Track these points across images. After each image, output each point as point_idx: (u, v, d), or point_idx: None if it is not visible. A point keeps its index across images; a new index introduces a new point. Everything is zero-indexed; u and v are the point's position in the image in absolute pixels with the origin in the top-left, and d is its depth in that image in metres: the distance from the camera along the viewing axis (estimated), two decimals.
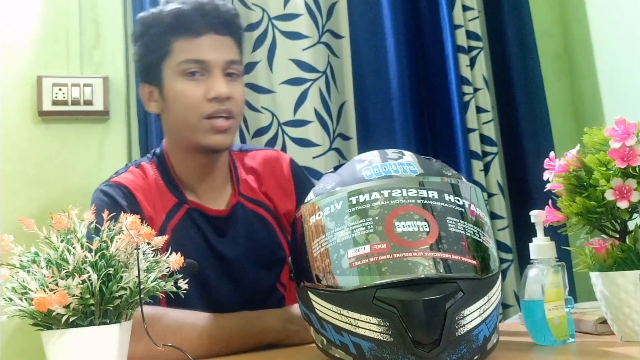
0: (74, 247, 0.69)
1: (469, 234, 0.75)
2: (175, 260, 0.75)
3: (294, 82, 1.63)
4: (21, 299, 0.69)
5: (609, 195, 0.80)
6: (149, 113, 1.52)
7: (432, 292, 0.69)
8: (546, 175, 0.88)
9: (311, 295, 0.76)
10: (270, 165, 1.28)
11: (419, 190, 0.76)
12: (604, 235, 0.85)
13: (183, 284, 0.76)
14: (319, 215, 0.78)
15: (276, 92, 1.63)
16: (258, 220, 1.23)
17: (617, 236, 0.84)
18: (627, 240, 0.84)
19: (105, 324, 0.70)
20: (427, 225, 0.73)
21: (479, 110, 1.71)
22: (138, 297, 0.71)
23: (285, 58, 1.63)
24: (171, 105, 1.15)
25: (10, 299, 0.69)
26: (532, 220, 0.89)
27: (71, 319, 0.68)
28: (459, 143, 1.65)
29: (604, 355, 0.80)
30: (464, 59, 1.70)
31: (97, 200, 1.11)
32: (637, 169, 0.80)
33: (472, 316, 0.71)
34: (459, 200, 0.77)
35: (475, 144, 1.68)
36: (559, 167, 0.86)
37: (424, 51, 1.73)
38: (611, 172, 0.81)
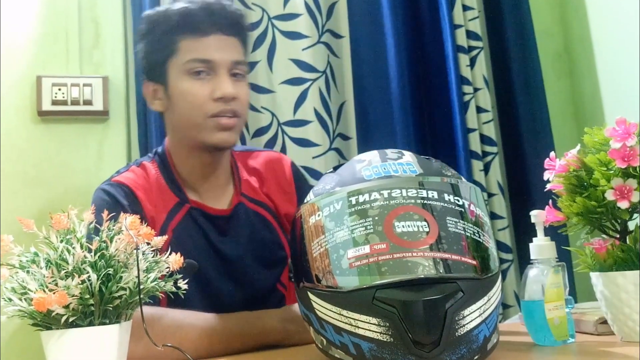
0: (73, 247, 0.69)
1: (468, 234, 0.75)
2: (174, 260, 0.75)
3: (293, 82, 1.63)
4: (21, 299, 0.69)
5: (610, 195, 0.79)
6: (148, 113, 1.52)
7: (432, 292, 0.69)
8: (546, 175, 0.87)
9: (311, 296, 0.76)
10: (272, 167, 1.28)
11: (418, 190, 0.76)
12: (604, 236, 0.85)
13: (183, 284, 0.76)
14: (319, 215, 0.78)
15: (276, 92, 1.63)
16: (259, 221, 1.23)
17: (618, 236, 0.84)
18: (627, 240, 0.84)
19: (104, 324, 0.70)
20: (426, 225, 0.73)
21: (479, 110, 1.71)
22: (138, 297, 0.71)
23: (285, 58, 1.63)
24: (176, 104, 1.15)
25: (10, 299, 0.69)
26: (533, 220, 0.89)
27: (71, 319, 0.68)
28: (459, 143, 1.65)
29: (604, 356, 0.80)
30: (464, 59, 1.70)
31: (98, 199, 1.11)
32: (638, 169, 0.80)
33: (472, 316, 0.71)
34: (458, 200, 0.77)
35: (475, 144, 1.68)
36: (559, 167, 0.86)
37: (424, 51, 1.73)
38: (612, 172, 0.81)
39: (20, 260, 0.71)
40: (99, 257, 0.70)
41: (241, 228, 1.20)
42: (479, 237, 0.76)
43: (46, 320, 0.69)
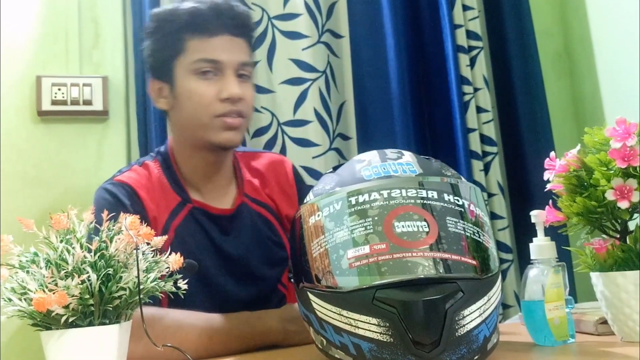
0: (73, 247, 0.69)
1: (468, 234, 0.75)
2: (174, 260, 0.75)
3: (293, 82, 1.63)
4: (20, 299, 0.68)
5: (610, 195, 0.79)
6: (148, 113, 1.52)
7: (432, 293, 0.69)
8: (546, 175, 0.87)
9: (311, 296, 0.76)
10: (275, 169, 1.29)
11: (418, 190, 0.76)
12: (604, 236, 0.85)
13: (183, 284, 0.76)
14: (318, 215, 0.77)
15: (276, 92, 1.63)
16: (262, 221, 1.24)
17: (618, 236, 0.84)
18: (627, 240, 0.84)
19: (104, 324, 0.70)
20: (426, 225, 0.73)
21: (479, 110, 1.71)
22: (137, 297, 0.71)
23: (285, 58, 1.63)
24: (182, 103, 1.15)
25: (10, 299, 0.69)
26: (533, 220, 0.89)
27: (70, 319, 0.68)
28: (459, 143, 1.65)
29: (605, 356, 0.80)
30: (464, 59, 1.70)
31: (100, 198, 1.11)
32: (638, 169, 0.80)
33: (472, 316, 0.71)
34: (458, 200, 0.77)
35: (475, 144, 1.68)
36: (559, 167, 0.86)
37: (424, 51, 1.73)
38: (612, 172, 0.81)
39: (20, 261, 0.71)
40: (98, 257, 0.70)
41: (244, 227, 1.21)
42: (479, 237, 0.76)
43: (46, 321, 0.69)
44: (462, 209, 0.76)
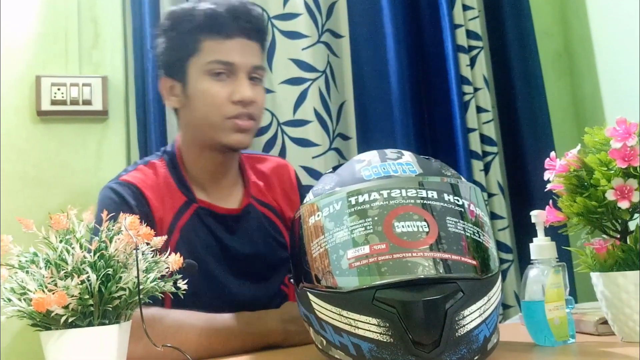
0: (72, 248, 0.69)
1: (468, 234, 0.75)
2: (174, 260, 0.75)
3: (293, 81, 1.63)
4: (20, 300, 0.68)
5: (610, 196, 0.79)
6: (147, 112, 1.52)
7: (432, 293, 0.69)
8: (547, 175, 0.87)
9: (310, 296, 0.76)
10: (280, 172, 1.31)
11: (418, 190, 0.76)
12: (604, 236, 0.85)
13: (182, 284, 0.75)
14: (318, 215, 0.77)
15: (276, 92, 1.62)
16: (267, 222, 1.25)
17: (618, 236, 0.84)
18: (628, 240, 0.83)
19: (104, 324, 0.70)
20: (426, 226, 0.73)
21: (479, 110, 1.71)
22: (137, 297, 0.71)
23: (285, 57, 1.63)
24: (194, 103, 1.16)
25: (9, 300, 0.69)
26: (533, 220, 0.89)
27: (70, 320, 0.68)
28: (459, 143, 1.65)
29: (605, 356, 0.80)
30: (464, 59, 1.70)
31: (105, 198, 1.11)
32: (638, 169, 0.80)
33: (472, 316, 0.71)
34: (458, 200, 0.77)
35: (475, 144, 1.68)
36: (559, 167, 0.86)
37: (424, 51, 1.73)
38: (612, 172, 0.80)
39: (20, 261, 0.71)
40: (98, 257, 0.70)
41: (250, 228, 1.22)
42: (479, 237, 0.75)
43: (45, 321, 0.68)
44: (462, 209, 0.76)
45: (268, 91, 1.62)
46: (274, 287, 1.23)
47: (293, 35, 1.63)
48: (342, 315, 0.72)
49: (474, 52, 1.72)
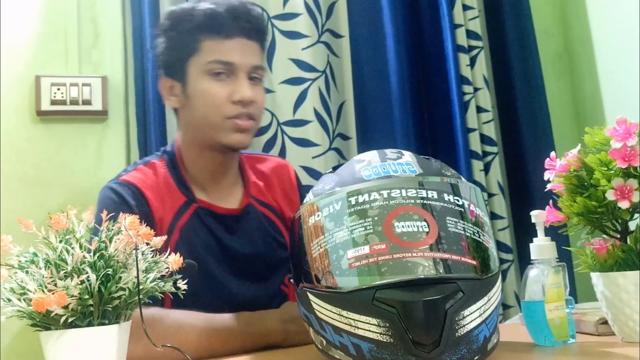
0: (72, 248, 0.69)
1: (468, 234, 0.74)
2: (174, 260, 0.75)
3: (293, 81, 1.62)
4: (20, 300, 0.68)
5: (610, 196, 0.79)
6: (147, 112, 1.52)
7: (432, 293, 0.69)
8: (547, 175, 0.87)
9: (310, 296, 0.76)
10: (280, 173, 1.31)
11: (418, 190, 0.76)
12: (604, 236, 0.85)
13: (182, 285, 0.75)
14: (318, 215, 0.77)
15: (275, 92, 1.62)
16: (267, 222, 1.25)
17: (618, 236, 0.84)
18: (628, 240, 0.83)
19: (104, 324, 0.70)
20: (426, 226, 0.73)
21: (479, 109, 1.71)
22: (137, 297, 0.70)
23: (285, 57, 1.63)
24: (194, 103, 1.16)
25: (9, 300, 0.68)
26: (533, 220, 0.89)
27: (70, 320, 0.68)
28: (459, 143, 1.65)
29: (605, 356, 0.80)
30: (464, 59, 1.70)
31: (105, 198, 1.11)
32: (638, 169, 0.80)
33: (472, 316, 0.71)
34: (458, 200, 0.77)
35: (475, 144, 1.68)
36: (559, 167, 0.86)
37: (424, 50, 1.73)
38: (612, 172, 0.80)
39: (19, 261, 0.71)
40: (98, 257, 0.70)
41: (250, 227, 1.22)
42: (479, 237, 0.75)
43: (45, 321, 0.68)
44: (462, 209, 0.76)
45: (268, 91, 1.62)
46: (274, 287, 1.23)
47: (293, 35, 1.63)
48: (342, 316, 0.72)
49: (474, 52, 1.72)
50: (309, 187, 0.90)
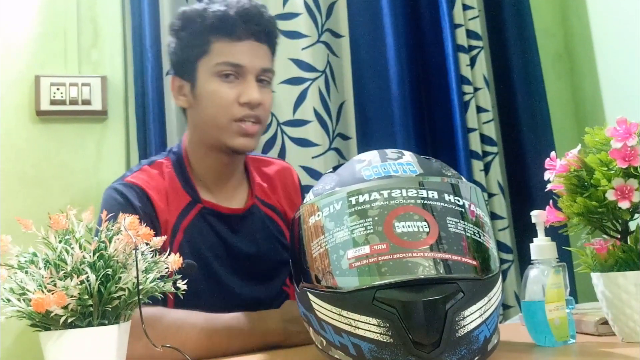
0: (72, 248, 0.69)
1: (469, 234, 0.74)
2: (173, 260, 0.75)
3: (293, 81, 1.62)
4: (19, 300, 0.68)
5: (610, 196, 0.79)
6: (147, 112, 1.52)
7: (432, 293, 0.69)
8: (547, 175, 0.87)
9: (310, 296, 0.76)
10: (283, 176, 1.32)
11: (418, 191, 0.76)
12: (605, 236, 0.85)
13: (182, 285, 0.75)
14: (318, 215, 0.77)
15: (275, 92, 1.62)
16: (271, 223, 1.26)
17: (619, 236, 0.84)
18: (628, 240, 0.83)
19: (103, 324, 0.69)
20: (427, 226, 0.73)
21: (479, 109, 1.71)
22: (137, 297, 0.70)
23: (285, 57, 1.63)
24: (202, 103, 1.16)
25: (9, 300, 0.68)
26: (533, 220, 0.89)
27: (69, 320, 0.68)
28: (459, 143, 1.65)
29: (605, 356, 0.79)
30: (464, 58, 1.70)
31: (110, 199, 1.11)
32: (639, 169, 0.80)
33: (473, 317, 0.71)
34: (459, 201, 0.77)
35: (475, 144, 1.68)
36: (559, 167, 0.85)
37: (423, 50, 1.73)
38: (612, 172, 0.80)
39: (19, 261, 0.71)
40: (97, 257, 0.70)
41: (254, 227, 1.22)
42: (480, 238, 0.75)
43: (45, 321, 0.68)
44: (463, 209, 0.76)
45: None
46: (276, 287, 1.24)
47: (293, 35, 1.63)
48: (342, 316, 0.72)
49: (474, 51, 1.72)
50: (309, 187, 0.90)
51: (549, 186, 0.88)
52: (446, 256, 0.71)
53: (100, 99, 1.54)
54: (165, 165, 1.19)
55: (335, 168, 0.87)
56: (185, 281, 0.75)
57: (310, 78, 1.63)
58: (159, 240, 0.75)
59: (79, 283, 0.67)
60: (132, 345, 0.75)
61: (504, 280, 1.64)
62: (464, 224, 0.75)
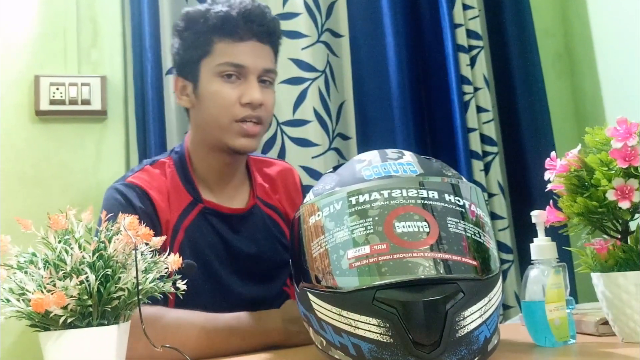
0: (71, 248, 0.69)
1: (469, 235, 0.74)
2: (173, 261, 0.74)
3: (293, 81, 1.62)
4: (19, 300, 0.68)
5: (611, 196, 0.79)
6: (146, 112, 1.52)
7: (433, 293, 0.69)
8: (547, 175, 0.87)
9: (310, 296, 0.76)
10: (285, 176, 1.33)
11: (419, 191, 0.76)
12: (605, 236, 0.85)
13: (182, 285, 0.75)
14: (319, 215, 0.77)
15: (275, 92, 1.62)
16: (272, 223, 1.26)
17: (619, 237, 0.84)
18: (628, 240, 0.83)
19: (103, 325, 0.69)
20: (427, 226, 0.72)
21: (480, 109, 1.71)
22: (136, 298, 0.70)
23: (285, 57, 1.62)
24: (204, 104, 1.16)
25: (8, 300, 0.68)
26: (533, 220, 0.89)
27: (69, 320, 0.68)
28: (459, 143, 1.65)
29: (605, 357, 0.79)
30: (464, 58, 1.69)
31: (111, 198, 1.12)
32: (639, 169, 0.79)
33: (473, 317, 0.71)
34: (459, 201, 0.77)
35: (475, 144, 1.68)
36: (560, 167, 0.85)
37: (423, 50, 1.73)
38: (613, 172, 0.80)
39: (18, 261, 0.71)
40: (97, 257, 0.69)
41: (255, 227, 1.23)
42: (480, 238, 0.75)
43: (44, 321, 0.68)
44: (463, 209, 0.76)
45: None
46: (276, 287, 1.24)
47: (293, 34, 1.63)
48: (342, 316, 0.72)
49: (474, 51, 1.72)
50: (308, 187, 0.90)
51: (549, 186, 0.88)
52: (446, 256, 0.71)
53: (100, 98, 1.54)
54: (167, 165, 1.20)
55: (335, 168, 0.87)
56: (185, 281, 0.75)
57: (310, 78, 1.63)
58: (158, 241, 0.75)
59: (78, 283, 0.67)
60: (133, 344, 0.75)
61: (504, 280, 1.64)
62: (464, 224, 0.74)
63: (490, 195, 1.69)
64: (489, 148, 1.71)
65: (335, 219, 0.75)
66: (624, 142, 0.79)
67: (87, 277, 0.67)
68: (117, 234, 0.72)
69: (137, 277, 0.69)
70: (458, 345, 0.69)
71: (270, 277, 1.23)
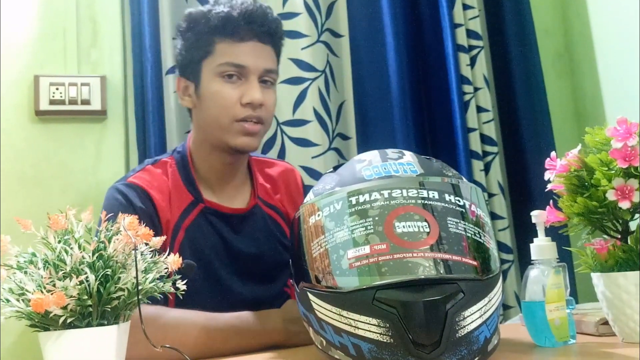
0: (71, 248, 0.69)
1: (469, 235, 0.74)
2: (173, 261, 0.74)
3: (293, 81, 1.62)
4: (18, 300, 0.68)
5: (611, 196, 0.79)
6: (146, 112, 1.52)
7: (433, 293, 0.69)
8: (547, 175, 0.87)
9: (310, 296, 0.76)
10: (286, 177, 1.33)
11: (419, 191, 0.76)
12: (605, 236, 0.85)
13: (181, 285, 0.75)
14: (319, 215, 0.77)
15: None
16: (273, 223, 1.26)
17: (619, 237, 0.84)
18: (628, 240, 0.83)
19: (103, 325, 0.69)
20: (427, 226, 0.72)
21: (480, 109, 1.71)
22: (136, 298, 0.70)
23: (284, 57, 1.61)
24: (205, 104, 1.17)
25: (8, 300, 0.68)
26: (533, 220, 0.89)
27: (69, 320, 0.68)
28: (459, 143, 1.65)
29: (606, 357, 0.79)
30: (464, 58, 1.69)
31: (111, 198, 1.12)
32: (639, 169, 0.79)
33: (473, 317, 0.71)
34: (459, 201, 0.77)
35: (475, 144, 1.68)
36: (560, 167, 0.85)
37: (424, 50, 1.73)
38: (613, 172, 0.80)
39: (18, 261, 0.71)
40: (97, 257, 0.69)
41: (256, 227, 1.23)
42: (480, 238, 0.75)
43: (44, 321, 0.68)
44: (463, 210, 0.76)
45: None
46: (277, 288, 1.24)
47: (292, 34, 1.63)
48: (342, 316, 0.72)
49: (474, 51, 1.72)
50: (309, 187, 0.90)
51: (549, 186, 0.88)
52: (446, 256, 0.71)
53: (100, 98, 1.54)
54: (169, 165, 1.20)
55: (335, 168, 0.87)
56: (185, 281, 0.75)
57: (310, 78, 1.63)
58: (158, 241, 0.75)
59: (78, 283, 0.67)
60: (133, 344, 0.75)
61: (504, 280, 1.64)
62: (465, 224, 0.74)
63: (490, 195, 1.69)
64: (489, 148, 1.71)
65: (335, 219, 0.75)
66: (624, 142, 0.79)
67: (87, 277, 0.67)
68: (117, 234, 0.72)
69: (137, 277, 0.69)
70: (458, 345, 0.69)
71: (270, 278, 1.23)
